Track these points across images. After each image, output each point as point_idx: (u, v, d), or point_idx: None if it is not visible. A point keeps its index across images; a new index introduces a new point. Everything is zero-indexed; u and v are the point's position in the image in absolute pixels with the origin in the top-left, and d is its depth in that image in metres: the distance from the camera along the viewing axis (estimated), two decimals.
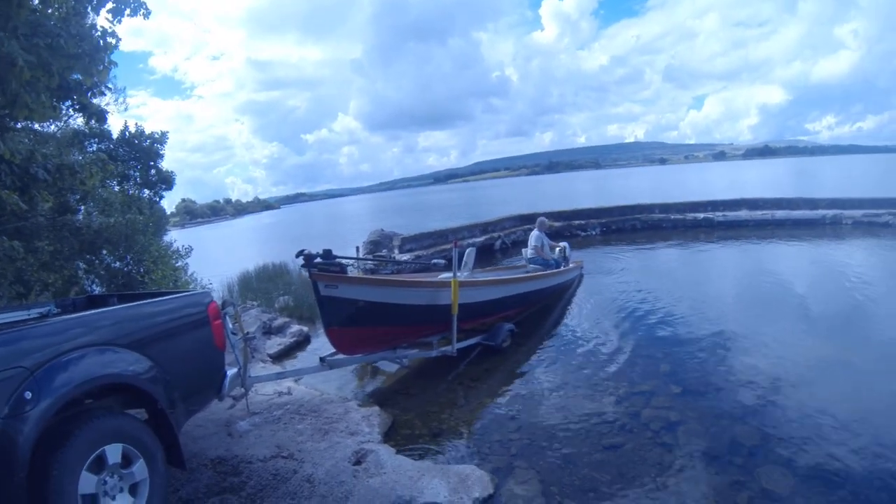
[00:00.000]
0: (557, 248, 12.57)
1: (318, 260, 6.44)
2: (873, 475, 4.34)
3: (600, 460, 4.82)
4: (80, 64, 5.37)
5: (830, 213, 18.83)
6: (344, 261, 7.09)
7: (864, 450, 4.70)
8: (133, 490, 3.36)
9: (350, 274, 7.32)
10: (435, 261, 9.56)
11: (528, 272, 11.37)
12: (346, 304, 6.68)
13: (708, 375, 6.61)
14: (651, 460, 4.76)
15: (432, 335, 7.90)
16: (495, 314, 9.09)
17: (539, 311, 10.23)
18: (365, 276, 7.84)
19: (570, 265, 12.63)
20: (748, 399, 5.85)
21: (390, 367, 7.73)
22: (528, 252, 12.15)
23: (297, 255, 6.59)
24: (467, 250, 9.84)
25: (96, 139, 14.88)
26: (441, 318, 7.56)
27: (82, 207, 8.47)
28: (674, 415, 5.57)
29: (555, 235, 16.52)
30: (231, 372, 5.01)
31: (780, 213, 19.77)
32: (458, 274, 8.14)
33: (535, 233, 12.21)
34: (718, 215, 20.65)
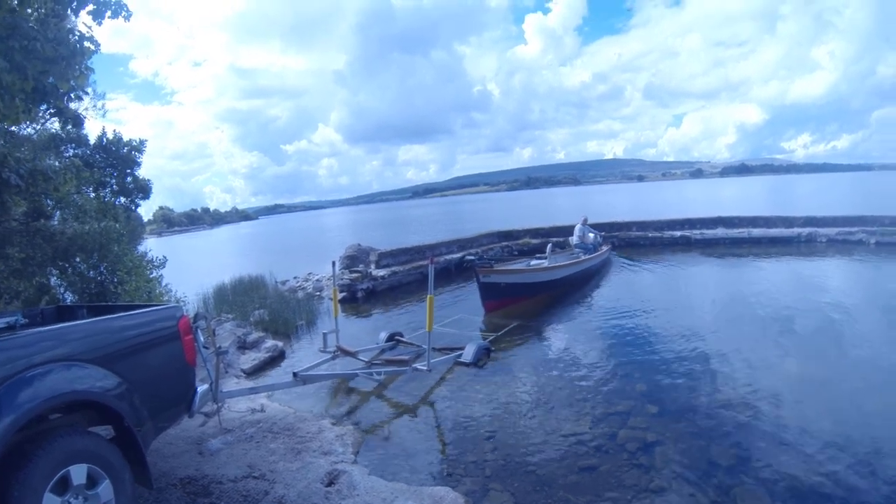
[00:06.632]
0: (592, 235, 17.27)
1: (477, 260, 11.09)
2: (850, 494, 4.37)
3: (576, 482, 4.79)
4: (57, 69, 5.23)
5: (805, 231, 19.26)
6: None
7: (841, 469, 4.74)
8: None
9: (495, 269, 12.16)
10: (534, 263, 14.31)
11: (576, 256, 15.99)
12: (495, 286, 11.66)
13: (685, 395, 6.64)
14: (628, 482, 4.74)
15: (537, 299, 12.44)
16: (572, 284, 14.08)
17: (515, 329, 10.23)
18: (503, 268, 12.75)
19: (603, 249, 17.59)
20: (725, 419, 5.88)
21: (365, 385, 7.61)
22: (574, 240, 17.08)
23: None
24: (548, 246, 15.35)
25: (73, 144, 14.66)
26: (540, 290, 12.79)
27: (57, 213, 8.28)
28: (650, 435, 5.57)
29: (533, 251, 18.26)
30: (202, 388, 4.90)
31: (756, 231, 20.12)
32: (545, 261, 14.26)
33: (578, 226, 17.20)
34: (696, 233, 20.95)
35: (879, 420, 5.75)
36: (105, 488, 3.27)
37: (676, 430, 5.69)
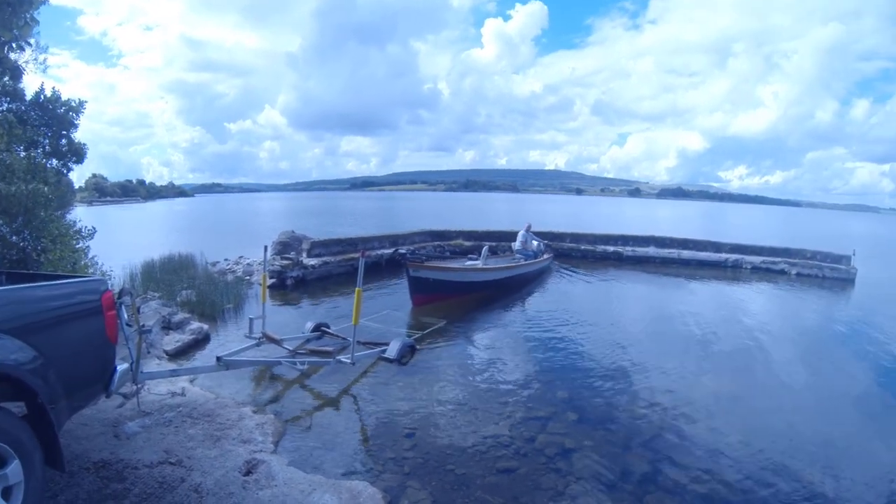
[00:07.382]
0: (535, 243, 17.76)
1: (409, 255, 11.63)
2: (756, 501, 4.71)
3: (494, 483, 4.90)
4: (0, 15, 5.00)
5: (733, 257, 20.27)
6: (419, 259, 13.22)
7: (751, 479, 5.06)
8: (6, 494, 3.10)
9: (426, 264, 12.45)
10: (469, 263, 15.05)
11: (514, 260, 16.60)
12: (424, 281, 11.88)
13: (605, 404, 6.88)
14: (544, 485, 4.89)
15: (466, 298, 12.74)
16: (505, 287, 14.29)
17: (442, 328, 10.33)
18: (434, 264, 12.97)
19: (545, 256, 18.10)
20: (642, 428, 6.16)
21: (288, 373, 7.60)
22: (516, 245, 17.56)
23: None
24: (483, 249, 16.05)
25: (8, 98, 13.87)
26: (470, 290, 13.15)
27: None
28: (569, 441, 5.76)
29: (465, 253, 18.85)
30: (122, 367, 4.66)
31: (686, 253, 20.97)
32: (480, 262, 14.96)
33: (521, 232, 17.67)
34: (628, 250, 21.68)
35: (785, 435, 6.16)
36: (14, 469, 3.11)
37: (594, 437, 5.89)
